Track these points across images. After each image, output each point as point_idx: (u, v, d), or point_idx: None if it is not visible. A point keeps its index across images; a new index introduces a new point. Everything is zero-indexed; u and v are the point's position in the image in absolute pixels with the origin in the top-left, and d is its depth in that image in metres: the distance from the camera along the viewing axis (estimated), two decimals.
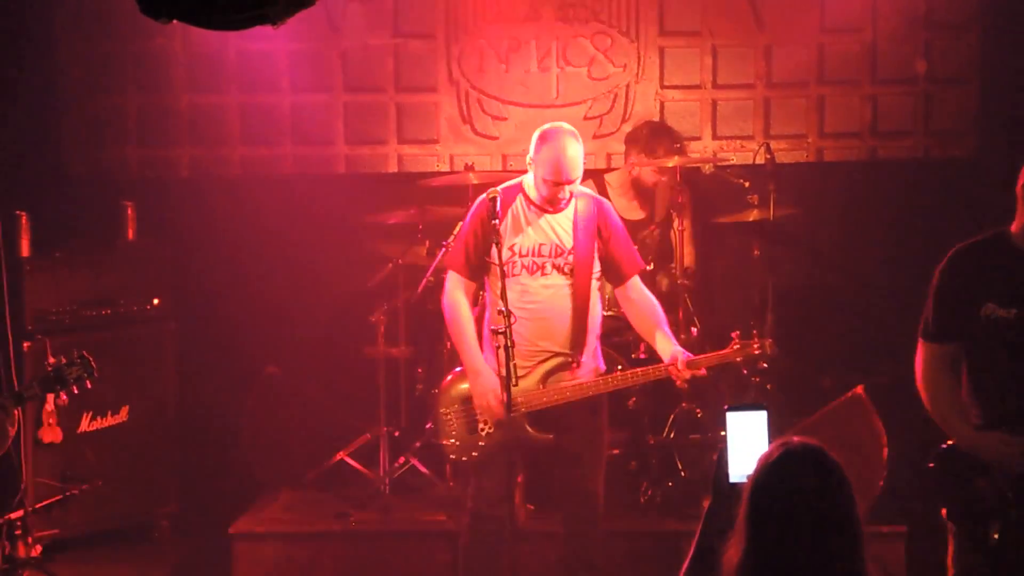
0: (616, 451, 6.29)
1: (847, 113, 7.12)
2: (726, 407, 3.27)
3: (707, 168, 6.79)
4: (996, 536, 4.33)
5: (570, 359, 5.18)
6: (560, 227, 5.20)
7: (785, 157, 6.97)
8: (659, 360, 5.21)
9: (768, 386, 6.53)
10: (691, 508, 6.17)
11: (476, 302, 5.41)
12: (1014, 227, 4.39)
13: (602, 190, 6.77)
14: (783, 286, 6.90)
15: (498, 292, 5.05)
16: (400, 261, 6.50)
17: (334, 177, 7.24)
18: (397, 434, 6.57)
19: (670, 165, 6.47)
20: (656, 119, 7.09)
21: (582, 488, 5.31)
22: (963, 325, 4.42)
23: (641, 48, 7.14)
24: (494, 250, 5.10)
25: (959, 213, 6.79)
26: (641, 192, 6.73)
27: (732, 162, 6.90)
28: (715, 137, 7.18)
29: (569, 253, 5.18)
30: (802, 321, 7.02)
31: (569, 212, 5.23)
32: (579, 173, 5.17)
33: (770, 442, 3.13)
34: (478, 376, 5.21)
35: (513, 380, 4.86)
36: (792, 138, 7.15)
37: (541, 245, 5.19)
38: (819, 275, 7.26)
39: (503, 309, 4.87)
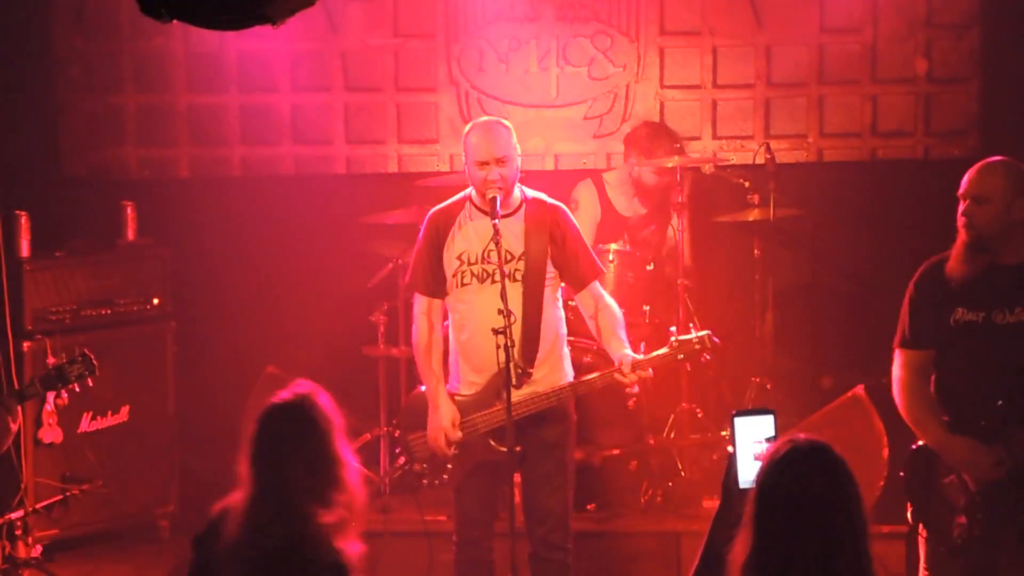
0: (616, 451, 6.30)
1: (847, 113, 7.12)
2: (734, 412, 3.27)
3: (707, 168, 6.79)
4: (960, 536, 4.38)
5: (519, 370, 4.89)
6: (510, 232, 4.98)
7: (785, 157, 6.97)
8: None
9: (768, 386, 6.54)
10: (691, 508, 6.20)
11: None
12: None
13: (601, 189, 6.78)
14: (783, 286, 6.91)
15: (458, 307, 5.03)
16: (400, 261, 6.50)
17: (334, 177, 7.24)
18: (397, 434, 6.57)
19: (670, 165, 6.47)
20: (656, 119, 7.09)
21: (545, 509, 5.08)
22: (935, 331, 4.53)
23: (641, 48, 7.13)
24: (486, 254, 5.01)
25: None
26: (643, 192, 6.73)
27: (732, 162, 6.90)
28: (715, 137, 7.18)
29: (519, 259, 5.00)
30: (802, 321, 7.03)
31: (520, 216, 5.06)
32: (502, 151, 4.93)
33: None
34: (435, 411, 5.07)
35: (513, 380, 4.78)
36: (792, 138, 7.14)
37: (489, 251, 4.98)
38: (819, 275, 7.26)
39: (503, 309, 4.75)
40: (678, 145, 6.70)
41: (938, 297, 4.56)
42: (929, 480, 4.48)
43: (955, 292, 4.53)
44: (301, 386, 3.87)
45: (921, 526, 4.55)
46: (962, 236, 4.55)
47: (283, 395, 3.82)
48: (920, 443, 4.57)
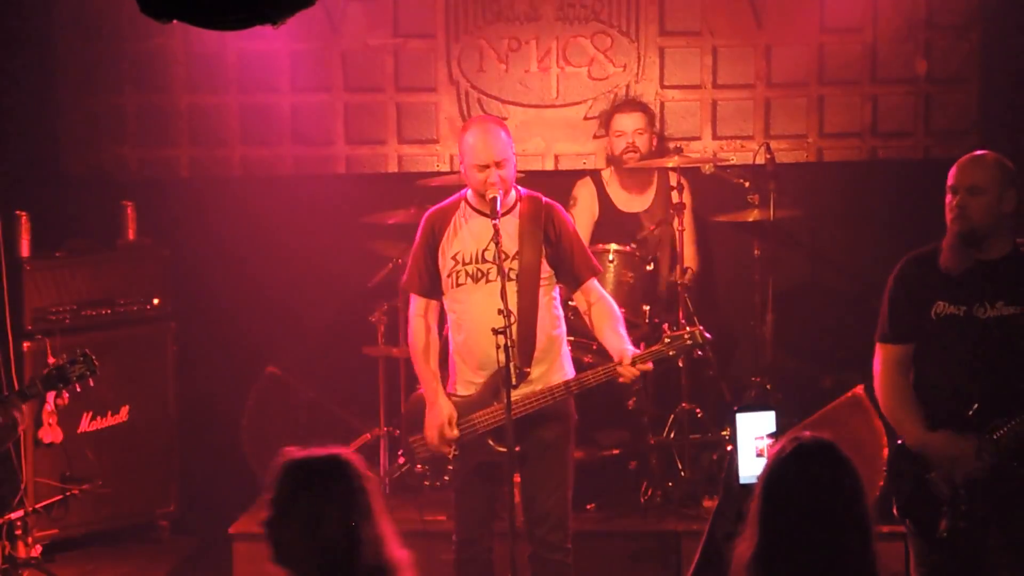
0: (616, 451, 6.29)
1: (847, 113, 7.12)
2: (735, 408, 3.27)
3: (707, 168, 6.78)
4: (945, 530, 4.39)
5: (517, 370, 4.84)
6: (504, 231, 4.96)
7: (785, 157, 6.97)
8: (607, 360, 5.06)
9: (768, 386, 6.54)
10: (691, 508, 6.20)
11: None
12: None
13: (600, 186, 6.78)
14: (783, 286, 6.90)
15: (454, 307, 5.04)
16: (400, 261, 6.49)
17: (334, 177, 7.24)
18: (397, 434, 6.56)
19: (670, 165, 6.47)
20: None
21: (544, 509, 5.07)
22: (916, 325, 4.54)
23: (641, 48, 7.13)
24: (486, 253, 5.00)
25: None
26: (616, 162, 6.69)
27: (732, 162, 6.90)
28: (715, 137, 7.18)
29: (513, 258, 4.99)
30: (802, 321, 7.02)
31: (515, 215, 5.06)
32: (502, 153, 4.95)
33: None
34: (431, 408, 5.07)
35: (513, 380, 4.78)
36: (792, 138, 7.14)
37: (484, 251, 4.99)
38: (819, 275, 7.26)
39: (503, 308, 4.74)
40: (642, 113, 6.71)
41: (918, 291, 4.56)
42: (913, 476, 4.49)
43: (936, 286, 4.53)
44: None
45: (908, 522, 4.56)
46: (953, 228, 4.53)
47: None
48: (901, 440, 4.59)
